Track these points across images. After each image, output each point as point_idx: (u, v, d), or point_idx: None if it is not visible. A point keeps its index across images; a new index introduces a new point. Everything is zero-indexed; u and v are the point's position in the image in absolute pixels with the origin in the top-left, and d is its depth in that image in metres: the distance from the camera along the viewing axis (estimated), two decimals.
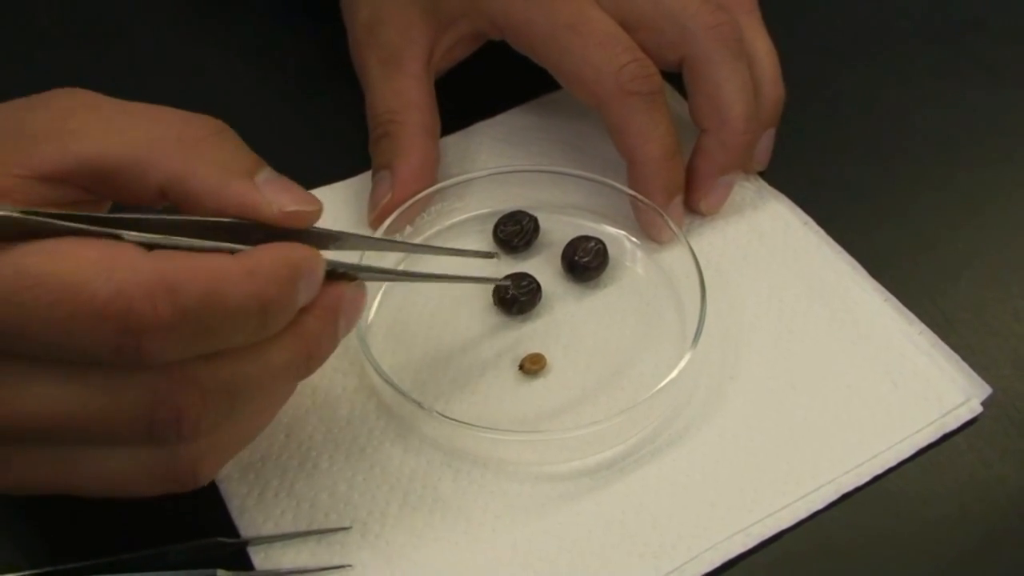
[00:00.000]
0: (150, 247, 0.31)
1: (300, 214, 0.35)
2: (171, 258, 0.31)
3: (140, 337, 0.30)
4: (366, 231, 0.48)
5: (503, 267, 0.47)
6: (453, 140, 0.52)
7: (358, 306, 0.37)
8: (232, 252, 0.33)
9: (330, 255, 0.36)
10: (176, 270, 0.30)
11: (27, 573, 0.37)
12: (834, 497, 0.40)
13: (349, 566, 0.38)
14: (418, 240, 0.48)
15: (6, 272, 0.30)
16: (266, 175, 0.35)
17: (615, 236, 0.48)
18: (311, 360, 0.35)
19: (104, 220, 0.32)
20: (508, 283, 0.45)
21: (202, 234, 0.33)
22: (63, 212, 0.31)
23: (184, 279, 0.30)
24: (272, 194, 0.35)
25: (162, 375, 0.31)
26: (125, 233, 0.32)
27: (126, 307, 0.30)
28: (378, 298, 0.46)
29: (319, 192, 0.50)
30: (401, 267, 0.47)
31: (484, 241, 0.48)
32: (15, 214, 0.30)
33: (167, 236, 0.32)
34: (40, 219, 0.31)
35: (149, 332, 0.30)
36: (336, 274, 0.36)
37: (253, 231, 0.34)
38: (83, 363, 0.31)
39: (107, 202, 0.37)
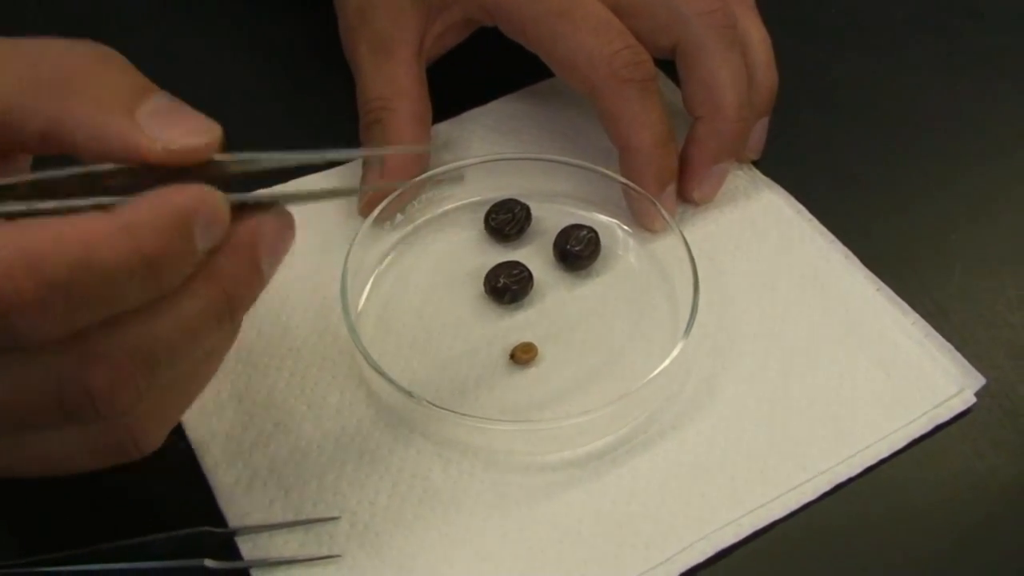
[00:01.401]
0: (15, 217, 0.29)
1: (188, 150, 0.31)
2: (32, 228, 0.28)
3: (7, 317, 0.27)
4: (356, 220, 0.47)
5: (495, 256, 0.46)
6: (444, 128, 0.52)
7: (283, 236, 0.33)
8: (106, 209, 0.29)
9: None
10: (38, 240, 0.28)
11: (11, 562, 0.37)
12: (827, 488, 0.40)
13: (338, 556, 0.38)
14: (410, 227, 0.48)
15: None
16: (152, 106, 0.31)
17: (607, 225, 0.48)
18: (233, 303, 0.32)
19: None
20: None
21: (84, 188, 0.30)
22: None
23: (47, 249, 0.27)
24: (157, 129, 0.31)
25: (60, 355, 0.29)
26: None
27: None
28: (368, 286, 0.46)
29: (310, 179, 0.49)
30: (390, 260, 0.47)
31: (476, 229, 0.48)
32: None
33: (31, 204, 0.29)
34: None
35: (15, 311, 0.27)
36: (248, 206, 0.32)
37: (145, 176, 0.30)
38: None
39: (25, 157, 0.34)
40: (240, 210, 0.32)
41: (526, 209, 0.48)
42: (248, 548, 0.38)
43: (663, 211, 0.46)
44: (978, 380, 0.43)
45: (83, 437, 0.32)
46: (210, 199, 0.30)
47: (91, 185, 0.30)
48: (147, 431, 0.33)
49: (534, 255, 0.47)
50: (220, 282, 0.31)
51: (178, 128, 0.31)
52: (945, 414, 0.42)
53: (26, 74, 0.31)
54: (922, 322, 0.45)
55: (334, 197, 0.44)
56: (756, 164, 0.51)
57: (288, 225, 0.33)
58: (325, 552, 0.38)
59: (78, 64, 0.31)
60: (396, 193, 0.46)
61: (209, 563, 0.37)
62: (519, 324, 0.45)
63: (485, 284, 0.45)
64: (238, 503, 0.39)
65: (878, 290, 0.46)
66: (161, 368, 0.31)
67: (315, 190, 0.41)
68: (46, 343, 0.29)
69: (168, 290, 0.30)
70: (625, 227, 0.48)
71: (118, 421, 0.31)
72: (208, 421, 0.41)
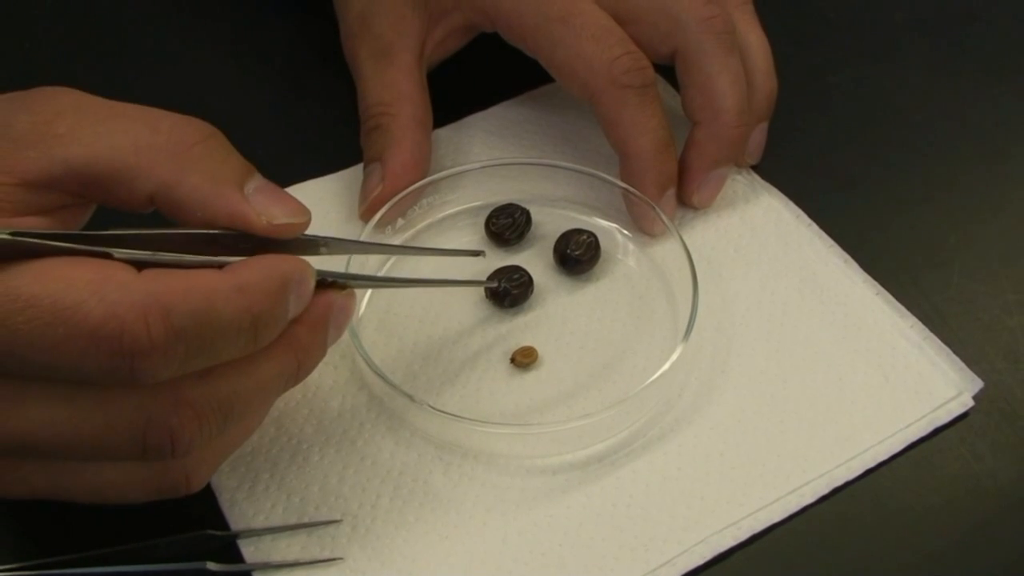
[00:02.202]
0: (139, 265, 0.31)
1: (289, 226, 0.35)
2: (162, 277, 0.31)
3: (133, 359, 0.30)
4: (357, 225, 0.48)
5: (495, 261, 0.47)
6: (445, 133, 0.52)
7: (347, 314, 0.37)
8: (220, 266, 0.33)
9: (318, 261, 0.36)
10: (168, 290, 0.30)
11: (15, 566, 0.37)
12: (825, 491, 0.40)
13: (340, 559, 0.38)
14: (411, 231, 0.48)
15: None
16: (256, 184, 0.35)
17: (607, 229, 0.48)
18: (300, 370, 0.36)
19: (92, 238, 0.32)
20: (495, 284, 0.45)
21: (190, 246, 0.33)
22: (51, 232, 0.31)
23: (176, 299, 0.30)
24: (262, 205, 0.35)
25: (155, 396, 0.32)
26: (114, 251, 0.31)
27: (119, 329, 0.29)
28: (369, 291, 0.46)
29: (310, 185, 0.50)
30: (388, 265, 0.47)
31: (476, 234, 0.48)
32: (4, 236, 0.30)
33: (155, 253, 0.32)
34: (29, 240, 0.30)
35: (143, 353, 0.30)
36: (325, 283, 0.36)
37: (241, 240, 0.35)
38: (76, 383, 0.31)
39: (92, 206, 0.36)
40: (318, 285, 0.35)
41: (526, 214, 0.48)
42: (250, 551, 0.38)
43: (663, 215, 0.46)
44: (976, 383, 0.43)
45: (143, 473, 0.34)
46: (306, 272, 0.35)
47: (192, 244, 0.34)
48: (198, 473, 0.35)
49: (534, 259, 0.47)
50: (295, 349, 0.35)
51: (278, 206, 0.35)
52: (943, 417, 0.42)
53: (144, 138, 0.34)
54: (920, 326, 0.45)
55: (398, 286, 0.46)
56: (755, 169, 0.51)
57: (352, 306, 0.37)
58: (327, 555, 0.38)
59: (192, 138, 0.35)
60: (397, 198, 0.46)
61: (212, 566, 0.37)
62: (519, 328, 0.45)
63: (486, 288, 0.45)
64: (240, 506, 0.39)
65: (876, 294, 0.46)
66: (232, 421, 0.33)
67: (385, 277, 0.46)
68: (151, 385, 0.31)
69: (258, 349, 0.33)
70: (625, 231, 0.48)
71: (181, 461, 0.33)
72: None
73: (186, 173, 0.34)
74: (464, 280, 0.45)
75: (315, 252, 0.37)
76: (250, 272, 0.32)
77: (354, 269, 0.43)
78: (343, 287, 0.37)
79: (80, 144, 0.34)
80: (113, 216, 0.35)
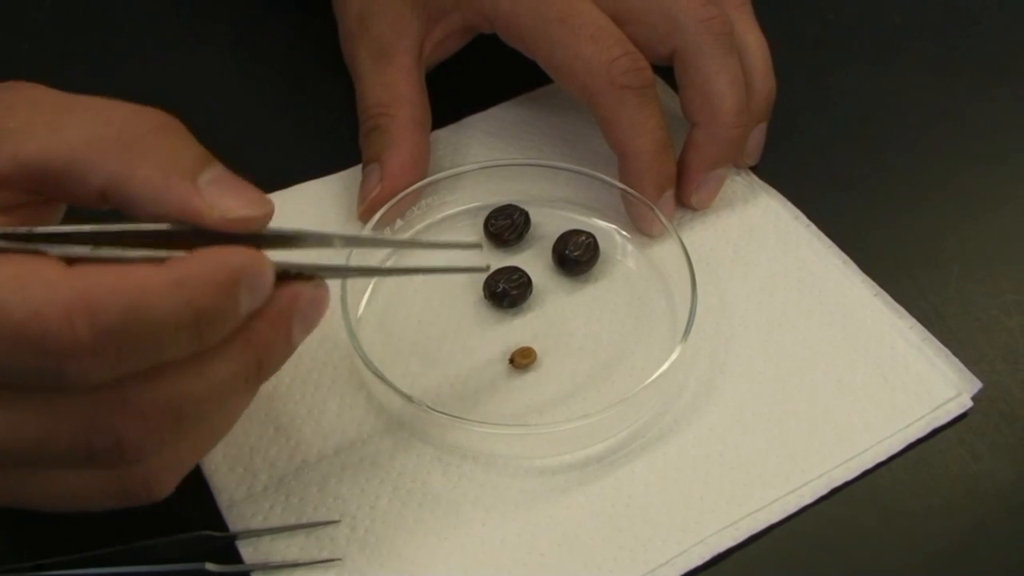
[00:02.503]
0: (78, 263, 0.30)
1: (245, 220, 0.33)
2: (91, 274, 0.29)
3: (60, 359, 0.28)
4: (356, 226, 0.48)
5: (494, 261, 0.47)
6: (444, 134, 0.52)
7: (316, 307, 0.34)
8: (160, 262, 0.30)
9: (315, 256, 0.34)
10: (95, 286, 0.28)
11: (14, 566, 0.37)
12: (824, 491, 0.40)
13: (338, 560, 0.38)
14: (409, 232, 0.48)
15: None
16: (211, 175, 0.33)
17: (606, 230, 0.48)
18: (262, 367, 0.33)
19: (28, 236, 0.31)
20: (487, 268, 0.42)
21: (146, 244, 0.31)
22: None
23: (104, 296, 0.28)
24: (216, 197, 0.32)
25: (96, 400, 0.30)
26: (50, 248, 0.30)
27: (42, 329, 0.28)
28: (368, 292, 0.46)
29: (309, 186, 0.50)
30: (390, 262, 0.47)
31: (475, 235, 0.48)
32: None
33: (95, 248, 0.31)
34: None
35: (68, 354, 0.28)
36: (289, 275, 0.33)
37: (201, 238, 0.32)
38: (13, 388, 0.30)
39: (60, 205, 0.36)
40: (281, 277, 0.33)
41: (525, 215, 0.48)
42: (249, 552, 0.38)
43: (661, 216, 0.46)
44: (974, 384, 0.43)
45: (100, 480, 0.32)
46: (259, 264, 0.32)
47: (144, 241, 0.32)
48: (161, 480, 0.33)
49: (533, 260, 0.47)
50: (254, 346, 0.33)
51: (236, 199, 0.33)
52: (942, 418, 0.42)
53: (94, 131, 0.32)
54: (919, 326, 0.45)
55: (378, 275, 0.45)
56: (754, 169, 0.51)
57: (323, 297, 0.35)
58: (326, 556, 0.38)
59: (144, 128, 0.33)
60: (396, 198, 0.46)
61: (210, 567, 0.37)
62: (518, 329, 0.45)
63: (484, 289, 0.45)
64: (239, 507, 0.39)
65: (875, 295, 0.46)
66: (187, 424, 0.32)
67: (360, 267, 0.42)
68: (87, 388, 0.30)
69: (207, 347, 0.31)
70: (624, 232, 0.48)
71: (136, 468, 0.32)
72: None
73: (136, 166, 0.32)
74: (456, 267, 0.41)
75: (296, 247, 0.35)
76: (190, 266, 0.30)
77: (355, 258, 0.43)
78: (309, 278, 0.34)
79: (31, 139, 0.32)
80: (79, 215, 0.34)
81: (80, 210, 0.34)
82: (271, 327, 0.33)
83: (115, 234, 0.32)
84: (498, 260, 0.47)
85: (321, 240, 0.36)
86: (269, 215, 0.34)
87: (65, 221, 0.34)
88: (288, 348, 0.34)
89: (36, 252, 0.30)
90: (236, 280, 0.31)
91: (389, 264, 0.47)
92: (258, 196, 0.34)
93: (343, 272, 0.37)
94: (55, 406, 0.30)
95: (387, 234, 0.47)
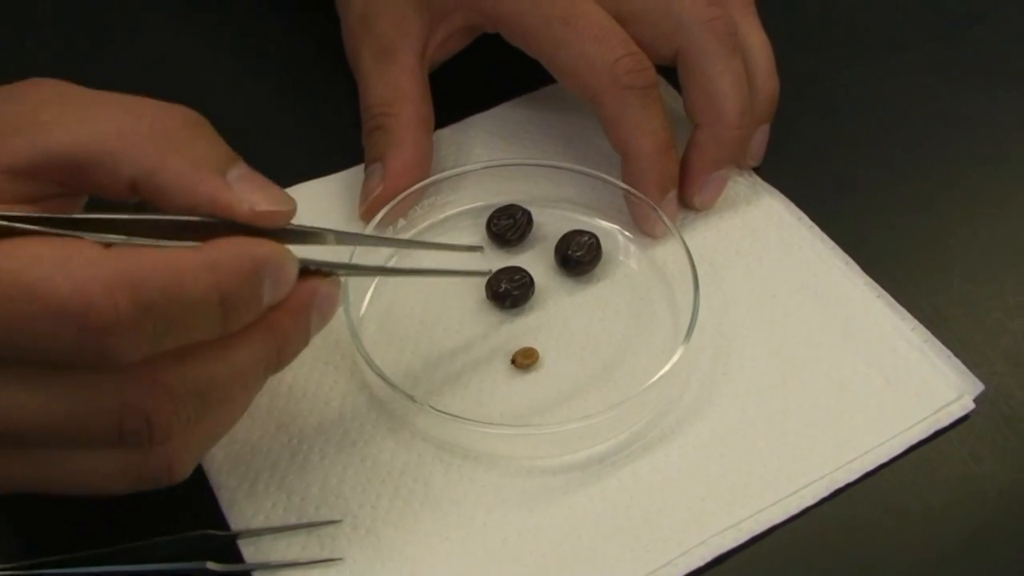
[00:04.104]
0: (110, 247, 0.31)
1: (273, 214, 0.35)
2: (130, 254, 0.30)
3: (101, 335, 0.29)
4: (358, 226, 0.48)
5: (496, 261, 0.47)
6: (447, 133, 0.52)
7: (332, 301, 0.36)
8: (192, 248, 0.32)
9: (313, 251, 0.35)
10: (136, 266, 0.30)
11: (15, 565, 0.37)
12: (825, 493, 0.40)
13: (339, 559, 0.38)
14: (411, 232, 0.48)
15: None
16: (239, 171, 0.35)
17: (608, 230, 0.48)
18: (281, 356, 0.35)
19: (65, 221, 0.32)
20: (489, 272, 0.44)
21: (172, 234, 0.33)
22: (23, 214, 0.31)
23: (144, 273, 0.30)
24: (244, 192, 0.34)
25: (129, 380, 0.31)
26: (86, 235, 0.31)
27: (86, 304, 0.29)
28: (370, 291, 0.46)
29: (312, 185, 0.50)
30: (392, 262, 0.47)
31: (478, 235, 0.48)
32: None
33: (128, 238, 0.32)
34: None
35: (110, 329, 0.29)
36: (309, 271, 0.35)
37: (226, 230, 0.34)
38: (49, 367, 0.31)
39: (83, 198, 0.36)
40: (300, 272, 0.35)
41: (528, 215, 0.48)
42: (250, 551, 0.38)
43: (664, 217, 0.46)
44: (977, 386, 0.43)
45: (123, 461, 0.33)
46: (283, 258, 0.34)
47: (175, 231, 0.33)
48: (181, 461, 0.34)
49: (536, 260, 0.47)
50: (275, 335, 0.34)
51: (261, 193, 0.34)
52: (944, 420, 0.42)
53: (125, 124, 0.34)
54: (921, 328, 0.45)
55: (386, 275, 0.45)
56: (757, 170, 0.51)
57: (337, 292, 0.37)
58: (327, 555, 0.38)
59: (175, 123, 0.35)
60: (399, 198, 0.46)
61: (211, 566, 0.37)
62: (520, 329, 0.45)
63: (487, 289, 0.45)
64: (240, 506, 0.39)
65: (878, 296, 0.46)
66: (211, 406, 0.33)
67: (370, 266, 0.44)
68: (122, 366, 0.30)
69: (231, 331, 0.33)
70: (626, 233, 0.48)
71: (161, 448, 0.33)
72: None
73: (168, 158, 0.34)
74: (461, 270, 0.44)
75: (310, 244, 0.37)
76: (221, 251, 0.32)
77: (357, 257, 0.43)
78: (328, 274, 0.36)
79: (64, 131, 0.33)
80: (100, 207, 0.35)
81: (100, 203, 0.35)
82: (291, 318, 0.35)
83: (151, 222, 0.33)
84: (500, 260, 0.47)
85: (319, 238, 0.38)
86: (293, 211, 0.35)
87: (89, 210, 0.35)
88: (304, 340, 0.36)
89: (74, 237, 0.31)
90: (259, 269, 0.32)
91: (392, 263, 0.47)
92: (283, 193, 0.35)
93: (355, 270, 0.39)
94: (87, 386, 0.31)
95: (389, 233, 0.47)
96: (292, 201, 0.36)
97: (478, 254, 0.46)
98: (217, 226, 0.34)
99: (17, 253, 0.29)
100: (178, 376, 0.32)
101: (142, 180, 0.34)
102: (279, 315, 0.34)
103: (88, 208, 0.37)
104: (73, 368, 0.31)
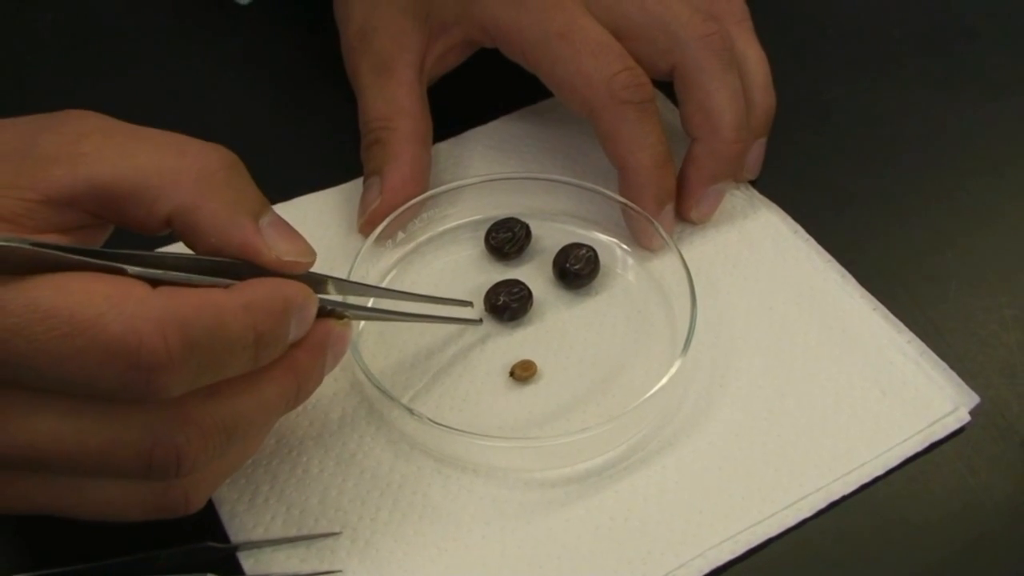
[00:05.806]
0: (152, 282, 0.32)
1: (296, 264, 0.36)
2: (176, 294, 0.31)
3: (150, 372, 0.30)
4: (357, 239, 0.48)
5: (495, 274, 0.47)
6: (445, 147, 0.53)
7: (344, 343, 0.38)
8: (225, 287, 0.33)
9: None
10: (183, 305, 0.31)
11: None
12: (822, 505, 0.40)
13: (339, 571, 0.38)
14: (411, 245, 0.48)
15: (16, 305, 0.30)
16: (270, 218, 0.36)
17: (606, 244, 0.49)
18: (300, 393, 0.36)
19: (107, 254, 0.32)
20: (480, 321, 0.45)
21: (196, 269, 0.34)
22: (69, 246, 0.31)
23: (191, 313, 0.31)
24: (273, 239, 0.36)
25: (162, 414, 0.32)
26: (128, 268, 0.32)
27: (137, 342, 0.30)
28: (369, 304, 0.46)
29: (311, 198, 0.50)
30: (388, 280, 0.48)
31: (476, 247, 0.48)
32: (25, 246, 0.30)
33: (167, 272, 0.33)
34: (48, 251, 0.31)
35: (159, 368, 0.30)
36: (324, 311, 0.37)
37: (244, 270, 0.35)
38: (84, 397, 0.31)
39: (109, 228, 0.37)
40: (318, 313, 0.36)
41: (526, 228, 0.48)
42: (250, 563, 0.38)
43: (661, 230, 0.46)
44: (972, 398, 0.43)
45: (144, 491, 0.34)
46: (309, 299, 0.35)
47: (198, 268, 0.34)
48: (199, 493, 0.35)
49: (534, 273, 0.47)
50: (296, 372, 0.35)
51: (288, 243, 0.36)
52: (940, 432, 0.43)
53: (168, 162, 0.35)
54: (917, 341, 0.45)
55: (389, 319, 0.45)
56: (753, 184, 0.52)
57: (349, 333, 0.38)
58: (326, 567, 0.38)
59: (217, 165, 0.36)
60: (397, 212, 0.47)
61: None
62: (519, 342, 0.45)
63: (485, 302, 0.46)
64: (240, 518, 0.39)
65: (874, 309, 0.46)
66: (235, 440, 0.34)
67: (376, 309, 0.43)
68: (162, 402, 0.31)
69: (258, 367, 0.34)
70: (624, 246, 0.49)
71: (181, 482, 0.34)
72: None
73: (206, 198, 0.35)
74: (454, 317, 0.45)
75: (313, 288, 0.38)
76: (255, 292, 0.33)
77: (357, 270, 0.44)
78: (341, 316, 0.38)
79: (105, 163, 0.34)
80: (119, 237, 0.36)
81: (124, 233, 0.36)
82: (310, 356, 0.36)
83: (173, 259, 0.34)
84: (499, 273, 0.47)
85: (340, 287, 0.39)
86: (313, 262, 0.37)
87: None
88: (320, 378, 0.37)
89: (119, 270, 0.32)
90: (289, 308, 0.34)
91: (387, 280, 0.48)
92: (307, 244, 0.37)
93: (361, 312, 0.40)
94: (120, 418, 0.32)
95: (388, 246, 0.47)
96: (314, 253, 0.37)
97: (481, 275, 0.46)
98: (237, 266, 0.35)
99: (70, 288, 0.30)
100: (209, 411, 0.33)
101: (178, 217, 0.35)
102: (299, 353, 0.36)
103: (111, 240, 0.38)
104: (109, 400, 0.31)
